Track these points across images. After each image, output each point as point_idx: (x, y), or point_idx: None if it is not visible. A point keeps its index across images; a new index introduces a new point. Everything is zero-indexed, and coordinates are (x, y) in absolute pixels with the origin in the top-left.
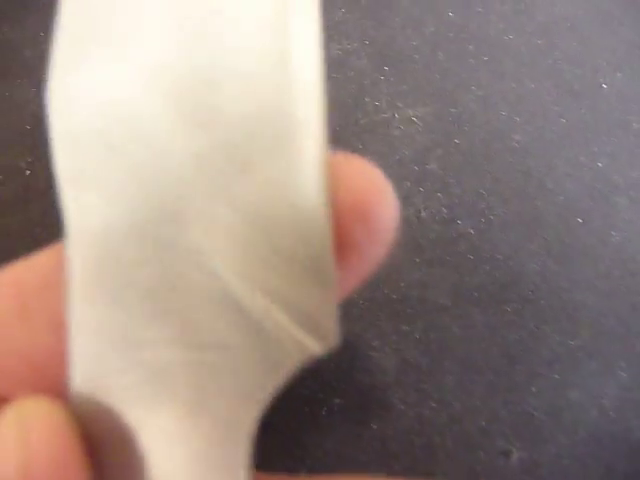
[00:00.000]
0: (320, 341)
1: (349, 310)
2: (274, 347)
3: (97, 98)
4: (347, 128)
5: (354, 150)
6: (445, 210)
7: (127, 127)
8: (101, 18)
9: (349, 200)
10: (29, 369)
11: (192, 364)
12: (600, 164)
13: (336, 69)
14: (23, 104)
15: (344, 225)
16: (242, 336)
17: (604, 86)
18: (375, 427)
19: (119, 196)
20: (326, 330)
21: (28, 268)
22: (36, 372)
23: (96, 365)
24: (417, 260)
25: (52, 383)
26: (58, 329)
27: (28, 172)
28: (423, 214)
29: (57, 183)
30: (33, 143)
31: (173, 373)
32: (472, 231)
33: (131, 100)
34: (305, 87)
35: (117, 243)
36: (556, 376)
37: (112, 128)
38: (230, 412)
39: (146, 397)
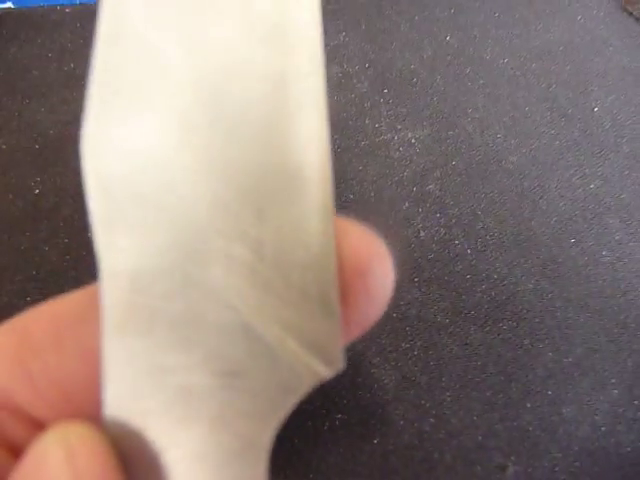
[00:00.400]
0: (328, 366)
1: None
2: (288, 372)
3: (127, 147)
4: (348, 150)
5: (355, 171)
6: (443, 230)
7: (155, 174)
8: (131, 68)
9: (351, 262)
10: (60, 394)
11: (215, 388)
12: (592, 186)
13: (337, 91)
14: (32, 123)
15: (345, 283)
16: (259, 363)
17: (596, 110)
18: (376, 442)
19: (149, 239)
20: (333, 356)
21: (64, 304)
22: (66, 397)
23: (127, 390)
24: (416, 279)
25: (80, 408)
26: (89, 359)
27: (37, 191)
28: (422, 234)
29: (91, 226)
30: (42, 162)
31: (198, 396)
32: (469, 251)
33: (158, 149)
34: (311, 136)
35: (147, 281)
36: (550, 392)
37: (141, 176)
38: (249, 430)
39: (173, 418)
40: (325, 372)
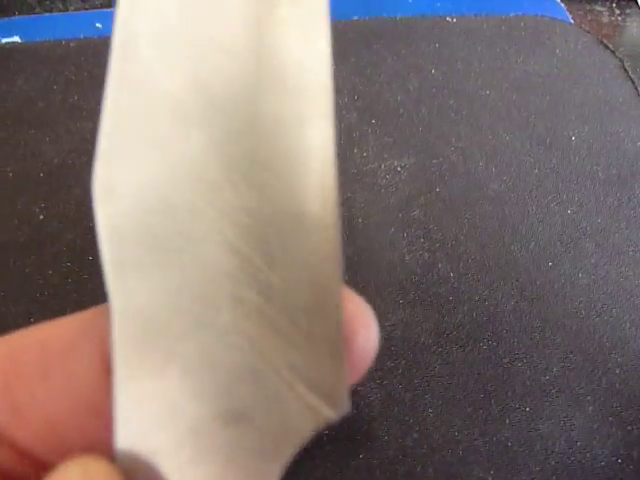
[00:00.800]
0: (333, 408)
1: None
2: (294, 414)
3: (138, 190)
4: (338, 177)
5: (344, 198)
6: (427, 254)
7: (165, 217)
8: (142, 110)
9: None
10: (46, 424)
11: (224, 428)
12: (569, 211)
13: None
14: (37, 153)
15: None
16: (266, 404)
17: (573, 138)
18: (362, 456)
19: (160, 280)
20: (339, 399)
21: (52, 331)
22: (52, 427)
23: (138, 429)
24: (401, 301)
25: (67, 438)
26: (77, 390)
27: (42, 217)
28: (407, 258)
29: (103, 266)
30: (47, 190)
31: (207, 436)
32: (452, 274)
33: (168, 192)
34: (321, 184)
35: (160, 323)
36: (528, 409)
37: (152, 218)
38: (257, 469)
39: (183, 458)
40: (330, 415)
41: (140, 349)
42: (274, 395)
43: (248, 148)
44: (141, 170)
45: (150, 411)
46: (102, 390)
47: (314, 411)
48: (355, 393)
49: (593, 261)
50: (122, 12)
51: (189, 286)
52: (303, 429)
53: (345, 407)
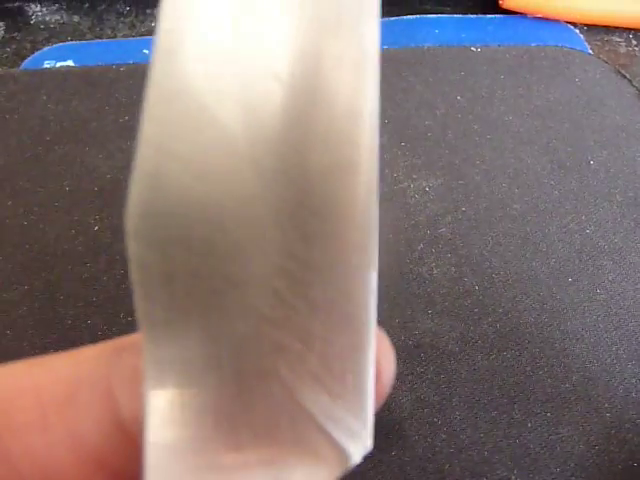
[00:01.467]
0: (359, 448)
1: None
2: (328, 456)
3: (177, 223)
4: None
5: None
6: (454, 269)
7: (207, 256)
8: (183, 130)
9: None
10: (43, 478)
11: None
12: (588, 231)
13: None
14: (92, 169)
15: None
16: (298, 451)
17: (592, 162)
18: (394, 454)
19: (198, 325)
20: (364, 438)
21: (48, 375)
22: None
23: None
24: (430, 312)
25: None
26: (78, 445)
27: (96, 227)
28: (435, 272)
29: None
30: (101, 202)
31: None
32: (477, 287)
33: (211, 229)
34: (362, 234)
35: (196, 371)
36: (549, 414)
37: (192, 256)
38: None
39: None
40: (356, 453)
41: (176, 399)
42: (308, 439)
43: (297, 190)
44: (182, 203)
45: (183, 463)
46: (107, 442)
47: (341, 450)
48: (387, 396)
49: (610, 278)
50: (166, 21)
51: (231, 334)
52: (332, 469)
53: (369, 446)
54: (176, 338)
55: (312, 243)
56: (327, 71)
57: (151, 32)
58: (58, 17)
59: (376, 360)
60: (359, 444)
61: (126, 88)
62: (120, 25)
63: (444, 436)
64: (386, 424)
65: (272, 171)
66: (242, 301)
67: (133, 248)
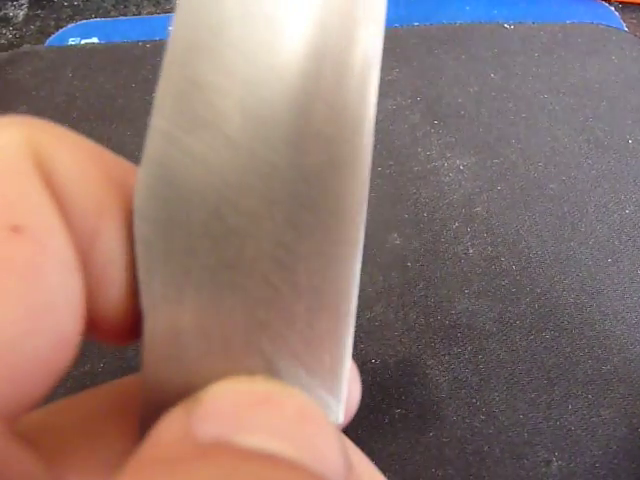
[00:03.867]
0: (331, 418)
1: (407, 333)
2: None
3: (180, 209)
4: (403, 175)
5: (409, 194)
6: (490, 248)
7: (205, 241)
8: (191, 122)
9: None
10: None
11: None
12: (627, 211)
13: (392, 122)
14: (120, 145)
15: None
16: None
17: (630, 142)
18: (432, 435)
19: (192, 301)
20: (335, 411)
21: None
22: None
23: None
24: (466, 291)
25: None
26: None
27: None
28: (471, 251)
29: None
30: None
31: None
32: (514, 267)
33: (210, 217)
34: (353, 229)
35: (189, 340)
36: (590, 396)
37: (192, 240)
38: None
39: None
40: (336, 412)
41: (168, 361)
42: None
43: (292, 184)
44: (185, 190)
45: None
46: None
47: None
48: (424, 376)
49: None
50: (181, 16)
51: (220, 308)
52: None
53: (340, 420)
54: (171, 309)
55: (301, 233)
56: (330, 74)
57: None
58: None
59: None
60: (331, 416)
61: (152, 65)
62: (144, 2)
63: (483, 417)
64: (424, 405)
65: (269, 165)
66: (232, 280)
67: (138, 226)
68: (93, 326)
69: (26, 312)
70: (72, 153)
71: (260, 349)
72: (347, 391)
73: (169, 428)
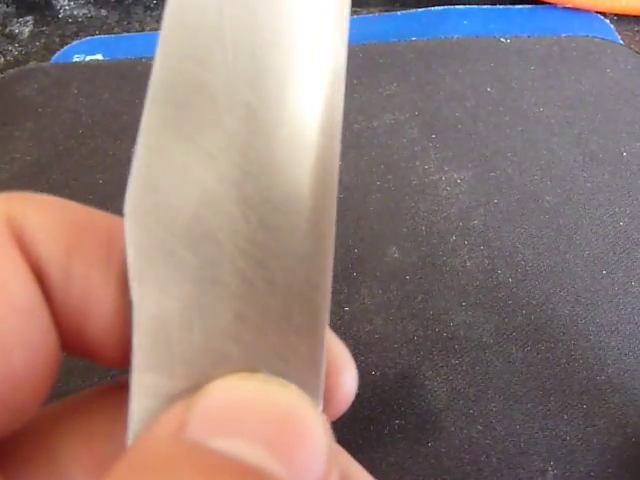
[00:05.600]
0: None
1: (406, 345)
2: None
3: (163, 212)
4: (401, 188)
5: (408, 207)
6: (487, 261)
7: (184, 239)
8: (174, 132)
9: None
10: None
11: None
12: (622, 223)
13: (391, 136)
14: (124, 161)
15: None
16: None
17: (624, 154)
18: (430, 445)
19: (175, 293)
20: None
21: None
22: None
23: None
24: (464, 304)
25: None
26: None
27: None
28: (468, 264)
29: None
30: None
31: None
32: (510, 279)
33: (190, 219)
34: (315, 228)
35: (173, 328)
36: (585, 406)
37: (173, 239)
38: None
39: None
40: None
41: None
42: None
43: (263, 190)
44: (169, 197)
45: (158, 402)
46: None
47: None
48: (422, 387)
49: None
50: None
51: (202, 302)
52: None
53: (319, 407)
54: (157, 301)
55: (273, 234)
56: (295, 88)
57: None
58: (86, 11)
59: (337, 365)
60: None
61: None
62: (148, 19)
63: (480, 427)
64: (422, 415)
65: (243, 173)
66: (213, 276)
67: (128, 227)
68: (91, 352)
69: None
70: (40, 213)
71: (239, 341)
72: (343, 382)
73: (165, 422)
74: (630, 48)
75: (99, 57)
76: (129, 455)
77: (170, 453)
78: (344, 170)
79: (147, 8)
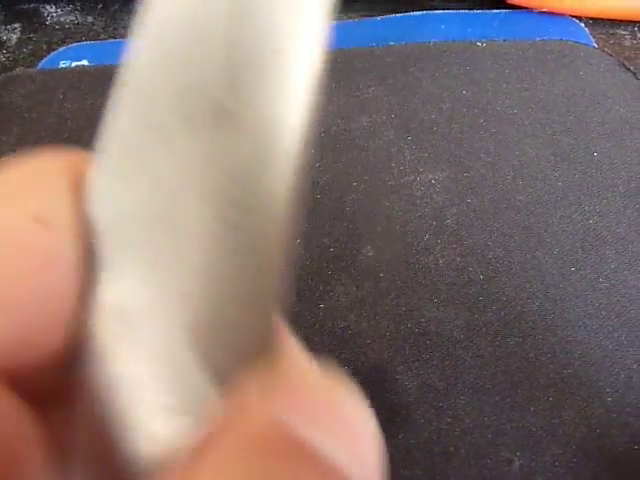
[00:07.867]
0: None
1: (379, 340)
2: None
3: (122, 204)
4: (377, 189)
5: (383, 207)
6: (459, 259)
7: (154, 229)
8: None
9: None
10: None
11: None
12: (591, 221)
13: (367, 139)
14: None
15: None
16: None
17: (595, 154)
18: (400, 437)
19: (134, 281)
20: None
21: None
22: None
23: None
24: (435, 300)
25: None
26: None
27: None
28: (440, 262)
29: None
30: None
31: None
32: (481, 276)
33: (151, 208)
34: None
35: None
36: (551, 399)
37: (139, 227)
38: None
39: None
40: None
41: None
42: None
43: (227, 192)
44: (131, 185)
45: None
46: None
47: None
48: (394, 381)
49: (613, 267)
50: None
51: (170, 289)
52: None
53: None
54: (126, 288)
55: (236, 231)
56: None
57: None
58: (73, 18)
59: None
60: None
61: None
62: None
63: (449, 420)
64: (393, 408)
65: (203, 165)
66: (182, 262)
67: (94, 218)
68: None
69: (37, 296)
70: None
71: (192, 334)
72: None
73: (249, 407)
74: (603, 51)
75: (85, 63)
76: (223, 440)
77: (267, 438)
78: (321, 171)
79: (133, 14)
